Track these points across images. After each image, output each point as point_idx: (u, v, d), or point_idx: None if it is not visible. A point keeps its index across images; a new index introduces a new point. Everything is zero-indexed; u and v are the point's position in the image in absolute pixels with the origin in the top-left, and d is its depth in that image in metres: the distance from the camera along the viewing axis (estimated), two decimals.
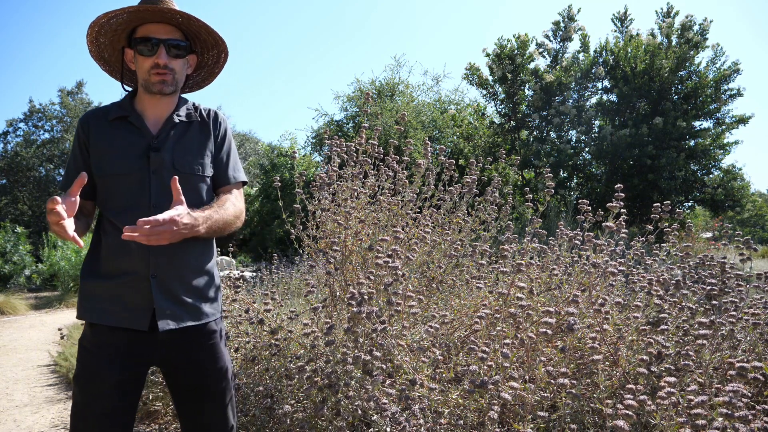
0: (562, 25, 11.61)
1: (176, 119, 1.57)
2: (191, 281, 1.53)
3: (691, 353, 1.85)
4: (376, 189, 2.87)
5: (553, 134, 11.61)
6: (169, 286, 1.48)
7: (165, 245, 1.40)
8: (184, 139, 1.56)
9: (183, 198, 1.40)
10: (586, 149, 11.42)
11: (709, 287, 2.35)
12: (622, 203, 2.42)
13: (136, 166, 1.48)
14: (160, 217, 1.31)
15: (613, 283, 2.43)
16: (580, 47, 11.58)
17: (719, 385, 1.54)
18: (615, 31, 11.84)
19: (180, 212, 1.37)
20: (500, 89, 11.76)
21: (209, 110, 1.66)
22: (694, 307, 2.24)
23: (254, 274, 5.72)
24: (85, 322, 1.50)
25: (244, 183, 1.68)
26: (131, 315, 1.45)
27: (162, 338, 1.47)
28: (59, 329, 5.80)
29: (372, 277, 2.17)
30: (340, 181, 2.80)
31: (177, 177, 1.40)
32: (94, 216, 1.60)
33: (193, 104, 1.65)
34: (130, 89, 1.64)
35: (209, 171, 1.59)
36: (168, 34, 1.50)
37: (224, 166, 1.64)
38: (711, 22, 10.36)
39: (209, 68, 1.72)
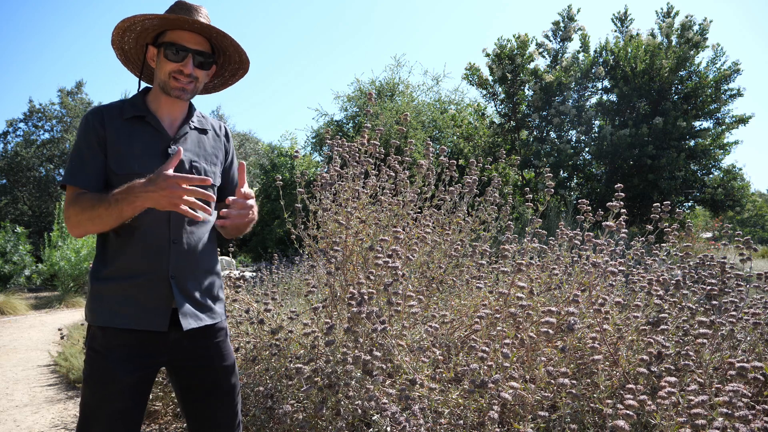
0: (562, 25, 11.62)
1: (191, 125, 1.60)
2: (203, 281, 1.56)
3: (691, 353, 1.86)
4: (378, 189, 2.87)
5: (553, 134, 11.62)
6: (187, 287, 1.50)
7: (182, 246, 1.47)
8: (199, 146, 1.60)
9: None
10: (586, 149, 11.43)
11: (709, 287, 2.35)
12: (622, 203, 2.43)
13: (154, 167, 1.47)
14: (249, 190, 1.43)
15: (613, 283, 2.44)
16: (580, 47, 11.59)
17: (719, 385, 1.55)
18: (615, 31, 11.86)
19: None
20: (500, 89, 11.77)
21: (219, 124, 1.71)
22: (694, 307, 2.24)
23: (254, 274, 5.72)
24: (94, 325, 1.49)
25: None
26: (149, 316, 1.45)
27: (173, 338, 1.48)
28: (59, 329, 5.80)
29: (372, 277, 2.18)
30: (342, 181, 2.80)
31: (244, 162, 1.48)
32: None
33: (201, 113, 1.68)
34: (143, 86, 1.64)
35: (218, 180, 1.63)
36: (198, 44, 1.52)
37: (235, 185, 1.71)
38: (711, 22, 10.36)
39: (224, 79, 1.75)
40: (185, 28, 1.50)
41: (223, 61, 1.67)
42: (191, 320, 1.49)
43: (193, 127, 1.60)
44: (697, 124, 10.77)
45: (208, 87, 1.76)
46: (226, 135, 1.70)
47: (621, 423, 1.35)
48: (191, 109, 1.63)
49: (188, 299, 1.50)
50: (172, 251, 1.47)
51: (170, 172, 1.28)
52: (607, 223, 2.27)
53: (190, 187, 1.28)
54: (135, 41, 1.58)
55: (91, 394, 1.43)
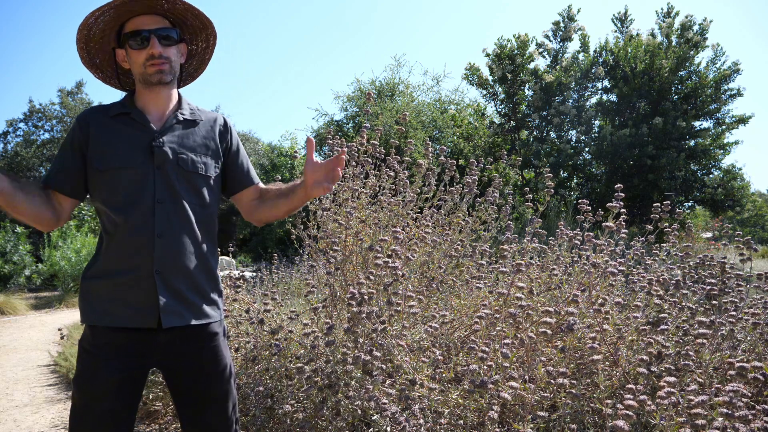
0: (562, 25, 11.62)
1: (180, 116, 1.56)
2: (195, 280, 1.51)
3: (691, 353, 1.85)
4: (377, 189, 2.87)
5: (553, 134, 11.62)
6: (173, 283, 1.46)
7: (169, 240, 1.44)
8: (188, 137, 1.55)
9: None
10: (586, 149, 11.44)
11: (709, 287, 2.35)
12: (622, 203, 2.42)
13: (138, 160, 1.47)
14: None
15: (613, 283, 2.44)
16: (580, 47, 11.60)
17: (719, 385, 1.55)
18: (615, 31, 11.87)
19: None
20: (500, 89, 11.77)
21: (217, 116, 1.66)
22: (694, 307, 2.24)
23: (254, 274, 5.71)
24: (84, 323, 1.48)
25: None
26: (136, 313, 1.43)
27: (163, 339, 1.45)
28: (59, 329, 5.80)
29: (372, 277, 2.18)
30: (341, 181, 2.80)
31: (311, 138, 1.50)
32: (71, 215, 1.59)
33: (196, 106, 1.65)
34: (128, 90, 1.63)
35: (212, 171, 1.58)
36: (156, 24, 1.49)
37: (246, 171, 1.69)
38: (711, 22, 10.37)
39: (200, 56, 1.71)
40: (137, 10, 1.47)
41: (189, 35, 1.63)
42: (173, 317, 1.44)
43: (182, 118, 1.56)
44: (697, 124, 10.78)
45: (189, 71, 1.72)
46: (225, 126, 1.65)
47: (621, 423, 1.35)
48: (181, 100, 1.60)
49: (174, 295, 1.45)
50: (157, 246, 1.43)
51: None
52: (607, 223, 2.27)
53: None
54: (102, 51, 1.56)
55: (80, 393, 1.42)
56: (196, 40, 1.66)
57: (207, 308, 1.53)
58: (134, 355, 1.45)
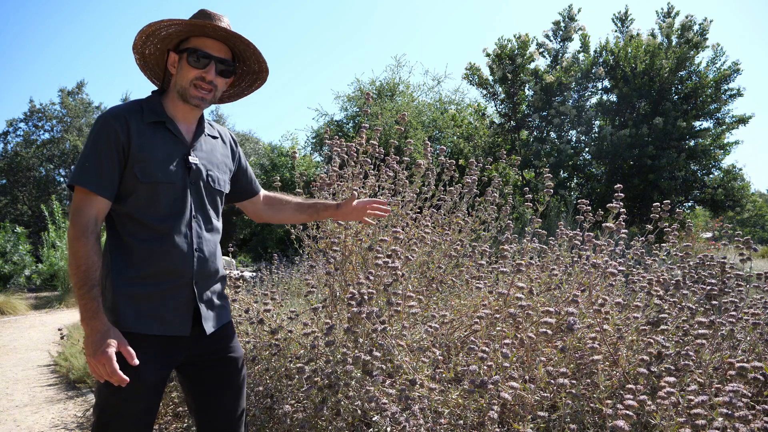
0: (562, 25, 11.61)
1: (205, 132, 1.62)
2: (218, 284, 1.61)
3: (691, 353, 1.85)
4: (377, 189, 2.87)
5: (553, 134, 11.62)
6: (206, 290, 1.55)
7: (203, 253, 1.51)
8: (212, 154, 1.62)
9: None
10: (586, 149, 11.43)
11: (709, 287, 2.35)
12: (622, 203, 2.42)
13: (179, 175, 1.50)
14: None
15: (613, 283, 2.44)
16: (581, 47, 11.58)
17: (719, 385, 1.55)
18: (615, 31, 11.86)
19: None
20: (500, 89, 11.76)
21: (226, 131, 1.74)
22: (694, 307, 2.24)
23: (254, 274, 5.72)
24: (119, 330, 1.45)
25: None
26: (174, 321, 1.47)
27: (191, 337, 1.51)
28: (59, 329, 5.80)
29: (372, 278, 2.18)
30: (341, 181, 2.80)
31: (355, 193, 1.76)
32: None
33: (208, 120, 1.68)
34: (156, 89, 1.62)
35: (228, 188, 1.68)
36: (220, 52, 1.52)
37: (252, 180, 1.81)
38: (711, 22, 10.36)
39: (240, 89, 1.76)
40: (210, 35, 1.50)
41: (242, 71, 1.68)
42: (210, 323, 1.54)
43: (206, 134, 1.62)
44: (697, 124, 10.77)
45: (222, 96, 1.75)
46: (234, 141, 1.75)
47: (621, 423, 1.35)
48: (202, 115, 1.63)
49: (207, 303, 1.55)
50: (196, 258, 1.50)
51: (112, 350, 1.33)
52: (607, 224, 2.27)
53: (109, 372, 1.32)
54: (156, 47, 1.57)
55: (113, 394, 1.41)
56: (245, 77, 1.71)
57: (227, 306, 1.66)
58: (169, 356, 1.50)
